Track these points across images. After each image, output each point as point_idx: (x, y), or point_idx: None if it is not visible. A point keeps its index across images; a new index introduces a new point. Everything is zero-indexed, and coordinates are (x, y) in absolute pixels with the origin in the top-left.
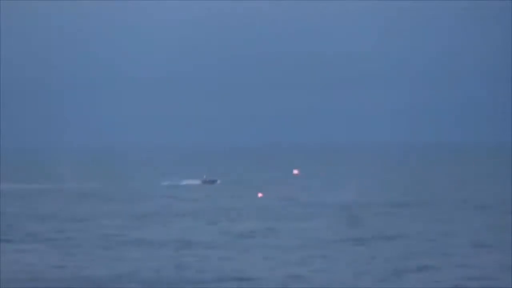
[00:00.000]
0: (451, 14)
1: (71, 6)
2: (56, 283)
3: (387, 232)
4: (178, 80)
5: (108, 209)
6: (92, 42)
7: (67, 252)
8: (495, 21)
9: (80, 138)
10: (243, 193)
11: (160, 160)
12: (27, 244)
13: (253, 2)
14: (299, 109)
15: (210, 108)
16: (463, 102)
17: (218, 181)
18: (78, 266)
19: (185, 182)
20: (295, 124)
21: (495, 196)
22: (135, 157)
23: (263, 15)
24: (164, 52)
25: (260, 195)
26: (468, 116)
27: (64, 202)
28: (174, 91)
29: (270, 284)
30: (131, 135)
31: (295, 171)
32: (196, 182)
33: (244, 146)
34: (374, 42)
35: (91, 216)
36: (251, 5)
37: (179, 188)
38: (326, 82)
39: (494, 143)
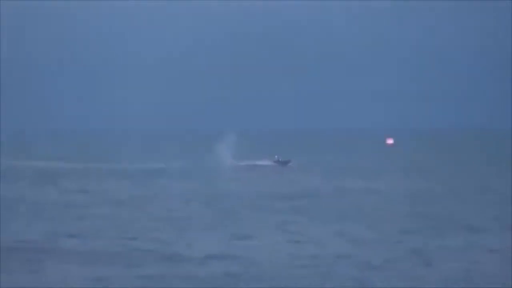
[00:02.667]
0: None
1: None
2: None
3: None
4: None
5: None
6: (94, 25)
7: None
8: (494, 8)
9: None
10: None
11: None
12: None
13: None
14: (302, 95)
15: (202, 95)
16: (462, 88)
17: (291, 162)
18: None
19: (255, 162)
20: (296, 110)
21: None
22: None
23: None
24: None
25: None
26: (466, 101)
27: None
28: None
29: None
30: (130, 121)
31: (390, 141)
32: (267, 163)
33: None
34: (372, 28)
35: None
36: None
37: (253, 169)
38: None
39: (494, 130)
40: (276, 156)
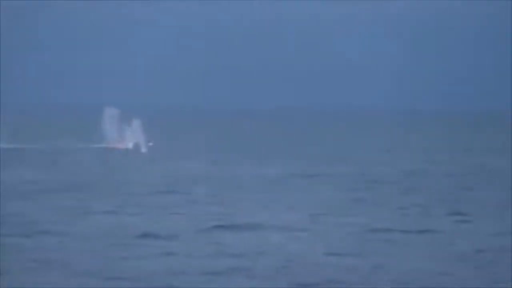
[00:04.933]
0: None
1: None
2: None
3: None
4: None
5: None
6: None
7: None
8: None
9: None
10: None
11: None
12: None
13: None
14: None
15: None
16: (462, 68)
17: (150, 143)
18: None
19: (113, 145)
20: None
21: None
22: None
23: None
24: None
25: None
26: (467, 83)
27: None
28: None
29: None
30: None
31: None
32: (126, 146)
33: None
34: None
35: None
36: None
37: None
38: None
39: (493, 111)
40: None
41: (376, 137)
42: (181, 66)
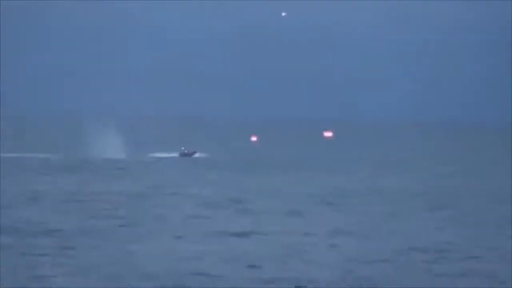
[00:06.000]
0: None
1: None
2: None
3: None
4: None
5: None
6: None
7: None
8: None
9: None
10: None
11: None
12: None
13: None
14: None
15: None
16: (463, 80)
17: (197, 154)
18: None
19: (158, 154)
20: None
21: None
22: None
23: None
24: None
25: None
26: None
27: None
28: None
29: None
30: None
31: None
32: (173, 155)
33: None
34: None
35: None
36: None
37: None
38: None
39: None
40: (182, 148)
41: (390, 150)
42: (181, 73)
